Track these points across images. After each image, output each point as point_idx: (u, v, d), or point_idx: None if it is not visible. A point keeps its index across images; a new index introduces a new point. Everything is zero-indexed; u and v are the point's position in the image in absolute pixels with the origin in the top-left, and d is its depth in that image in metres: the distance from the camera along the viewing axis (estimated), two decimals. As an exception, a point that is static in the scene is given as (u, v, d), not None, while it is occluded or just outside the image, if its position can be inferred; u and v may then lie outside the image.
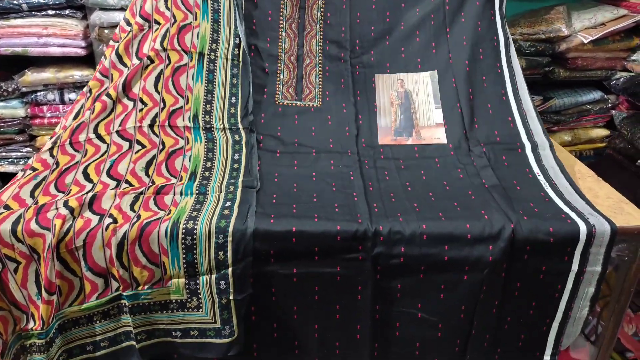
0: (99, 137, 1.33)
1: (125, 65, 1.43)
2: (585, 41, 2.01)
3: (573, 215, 1.14)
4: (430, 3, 1.62)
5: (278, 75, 1.57)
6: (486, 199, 1.21)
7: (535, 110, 1.46)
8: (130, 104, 1.37)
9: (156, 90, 1.39)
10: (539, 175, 1.31)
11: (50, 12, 1.90)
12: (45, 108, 2.03)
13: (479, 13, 1.56)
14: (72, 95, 2.01)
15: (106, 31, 1.88)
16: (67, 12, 1.91)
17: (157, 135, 1.34)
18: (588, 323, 1.23)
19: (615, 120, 2.22)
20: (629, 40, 2.09)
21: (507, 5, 1.61)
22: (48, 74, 1.95)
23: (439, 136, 1.48)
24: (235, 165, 1.33)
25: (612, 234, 1.10)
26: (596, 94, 2.20)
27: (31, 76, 1.95)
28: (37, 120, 2.06)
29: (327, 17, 1.63)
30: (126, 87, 1.38)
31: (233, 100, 1.47)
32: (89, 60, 1.98)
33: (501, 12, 1.57)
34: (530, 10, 2.21)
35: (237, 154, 1.36)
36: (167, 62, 1.43)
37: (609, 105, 2.23)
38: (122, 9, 1.86)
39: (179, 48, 1.45)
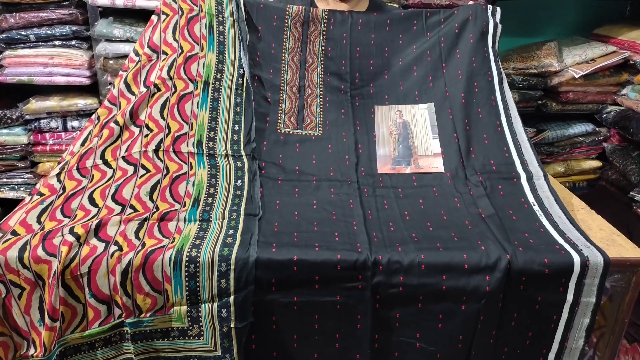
0: (106, 162, 1.34)
1: (133, 93, 1.47)
2: (577, 76, 2.07)
3: (567, 246, 1.16)
4: (427, 41, 1.68)
5: (280, 104, 1.61)
6: (482, 229, 1.23)
7: (529, 142, 1.50)
8: (136, 130, 1.40)
9: (162, 116, 1.42)
10: (534, 205, 1.34)
11: (56, 42, 1.95)
12: (47, 135, 2.06)
13: (473, 49, 1.62)
14: (75, 123, 2.04)
15: (111, 62, 1.93)
16: (73, 42, 1.96)
17: (161, 160, 1.36)
18: (585, 354, 1.24)
19: (607, 152, 2.27)
20: (619, 76, 2.16)
21: (500, 40, 1.67)
22: (52, 102, 1.99)
23: (437, 165, 1.51)
24: (238, 192, 1.35)
25: (605, 266, 1.13)
26: (588, 127, 2.26)
27: (35, 104, 1.98)
28: (39, 147, 2.09)
29: (327, 51, 1.69)
30: (133, 114, 1.41)
31: (236, 127, 1.50)
32: (93, 89, 2.02)
33: (494, 49, 1.64)
34: (522, 46, 2.28)
35: (239, 181, 1.38)
36: (173, 90, 1.46)
37: (601, 137, 2.28)
38: (128, 40, 1.90)
39: (185, 77, 1.49)
